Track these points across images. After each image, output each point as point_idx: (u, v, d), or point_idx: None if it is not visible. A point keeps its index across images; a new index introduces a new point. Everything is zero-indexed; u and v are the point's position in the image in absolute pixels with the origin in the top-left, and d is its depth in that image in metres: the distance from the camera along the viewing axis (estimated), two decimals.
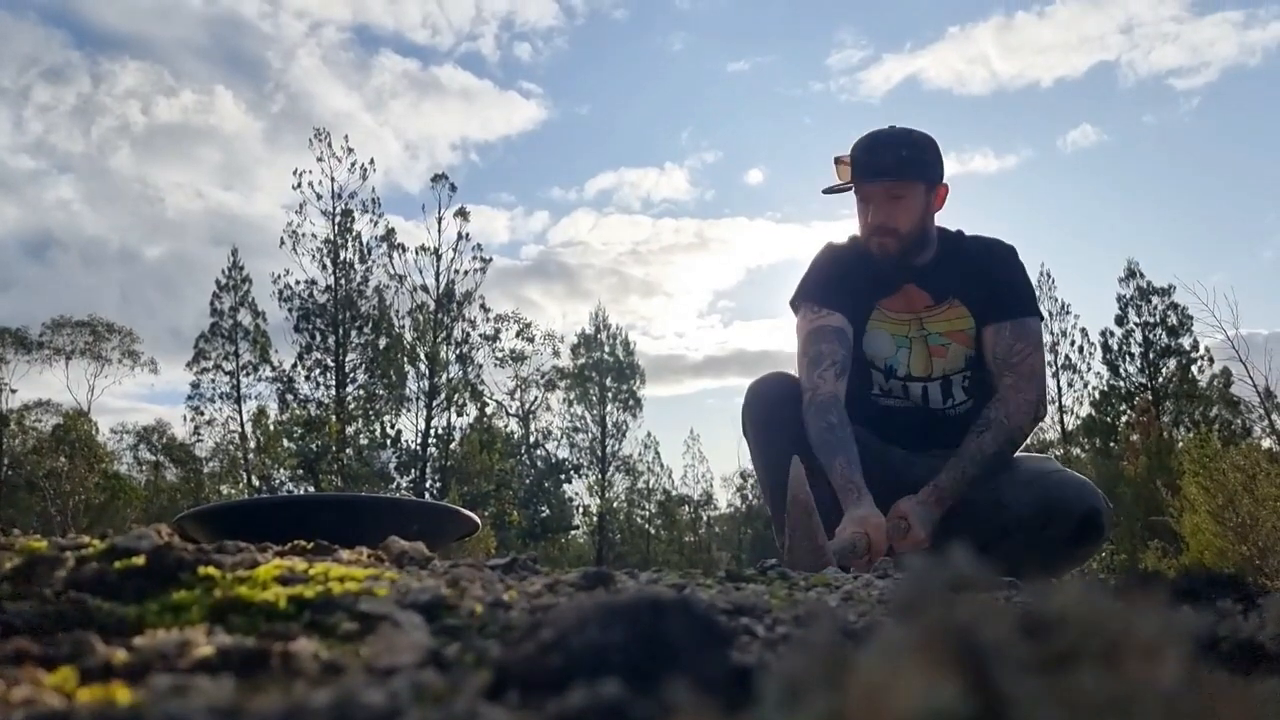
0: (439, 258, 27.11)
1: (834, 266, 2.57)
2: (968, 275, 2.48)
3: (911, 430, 2.48)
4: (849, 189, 2.49)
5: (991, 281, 2.47)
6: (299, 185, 25.92)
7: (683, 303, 51.44)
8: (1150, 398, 26.40)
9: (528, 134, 44.44)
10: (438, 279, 27.13)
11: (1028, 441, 2.47)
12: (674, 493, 34.44)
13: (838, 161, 2.53)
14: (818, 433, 2.30)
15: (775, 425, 2.42)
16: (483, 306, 27.79)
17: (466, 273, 27.21)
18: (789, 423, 2.35)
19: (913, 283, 2.51)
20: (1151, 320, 27.00)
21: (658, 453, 33.37)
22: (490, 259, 27.65)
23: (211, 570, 0.80)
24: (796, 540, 1.97)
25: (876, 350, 2.53)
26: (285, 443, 25.54)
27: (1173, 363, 26.66)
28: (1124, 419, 26.92)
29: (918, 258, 2.49)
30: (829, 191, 2.52)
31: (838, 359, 2.40)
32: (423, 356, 26.90)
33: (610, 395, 31.91)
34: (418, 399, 26.95)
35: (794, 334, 2.56)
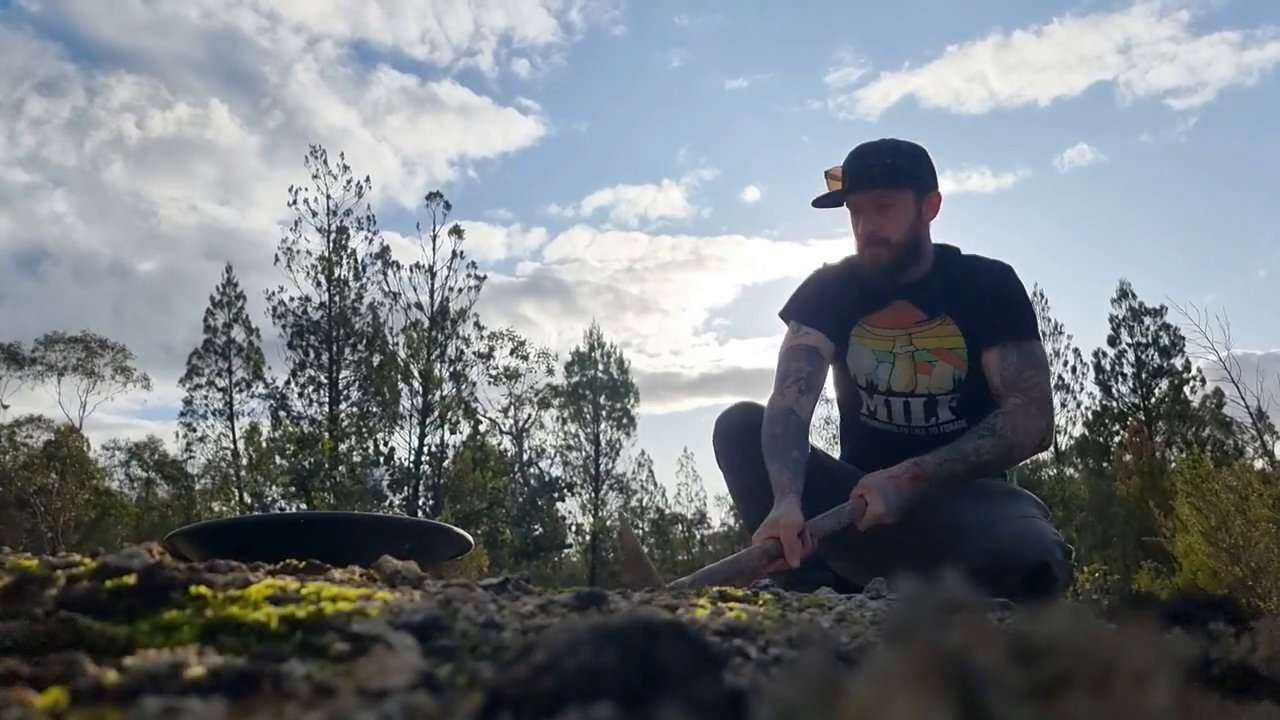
0: (433, 275, 27.16)
1: (821, 285, 2.60)
2: (962, 293, 2.45)
3: (894, 455, 2.37)
4: (838, 203, 2.49)
5: (990, 302, 2.43)
6: (294, 202, 25.99)
7: (678, 320, 51.48)
8: (1143, 418, 26.47)
9: (525, 150, 44.51)
10: (432, 296, 27.17)
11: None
12: (668, 511, 34.38)
13: (828, 175, 2.52)
14: (765, 440, 2.34)
15: (740, 454, 2.47)
16: (477, 324, 27.83)
17: (461, 290, 27.27)
18: (754, 452, 2.37)
19: (904, 299, 2.49)
20: (1144, 341, 27.12)
21: (651, 471, 33.32)
22: (484, 277, 27.72)
23: (203, 590, 0.80)
24: (632, 576, 1.95)
25: (858, 366, 2.54)
26: (278, 460, 25.46)
27: (1165, 383, 26.75)
28: (1117, 439, 26.98)
29: (911, 270, 2.47)
30: (818, 203, 2.51)
31: (803, 375, 2.43)
32: (416, 374, 26.88)
33: (604, 413, 31.90)
34: (411, 416, 26.92)
35: None
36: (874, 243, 2.43)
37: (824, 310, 2.54)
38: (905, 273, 2.47)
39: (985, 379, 2.42)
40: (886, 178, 2.40)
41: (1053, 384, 27.00)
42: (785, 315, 2.59)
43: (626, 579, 1.94)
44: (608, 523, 31.33)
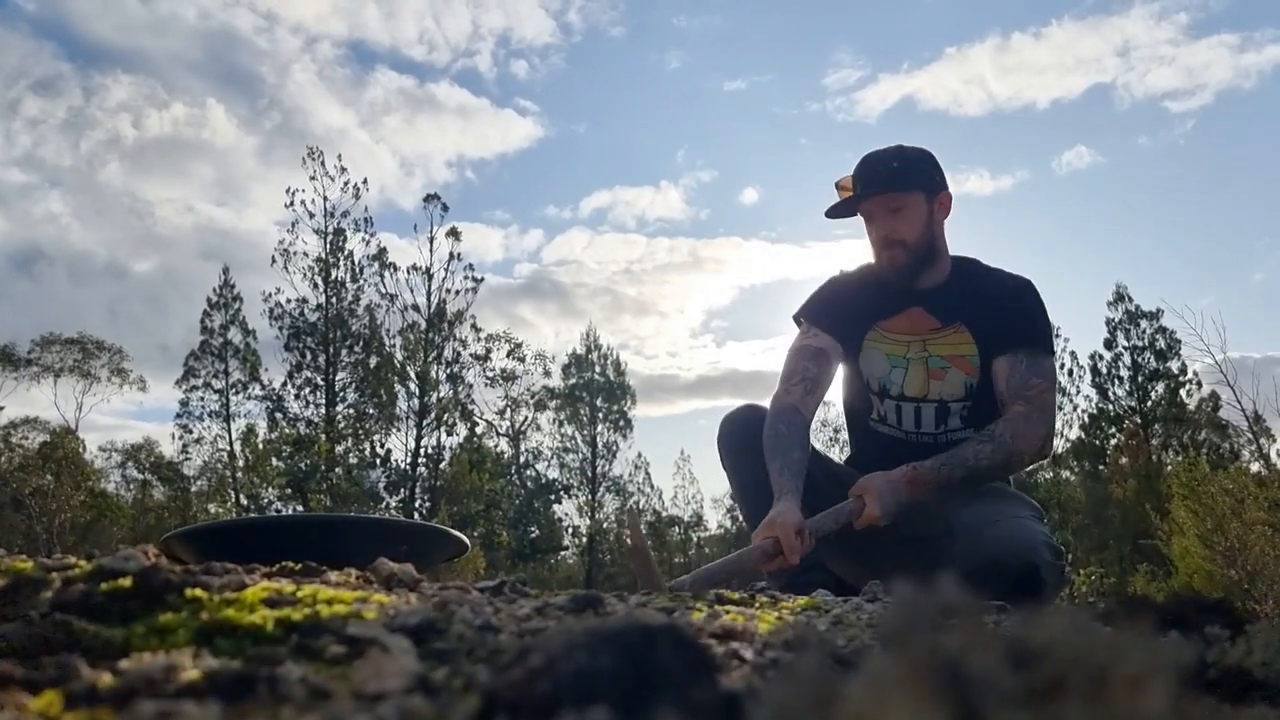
0: (430, 277, 27.17)
1: (837, 288, 2.64)
2: (978, 302, 2.48)
3: (901, 463, 2.43)
4: (851, 212, 2.53)
5: (1004, 312, 2.45)
6: (291, 204, 25.98)
7: (676, 322, 51.56)
8: (1139, 421, 26.51)
9: (524, 151, 44.50)
10: (429, 298, 27.17)
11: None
12: (664, 514, 34.37)
13: (839, 186, 2.55)
14: (767, 438, 2.38)
15: (745, 454, 2.49)
16: (474, 326, 27.83)
17: (458, 292, 27.28)
18: (758, 452, 2.39)
19: (920, 305, 2.51)
20: (1140, 344, 27.16)
21: (648, 473, 33.30)
22: (482, 279, 27.74)
23: (198, 592, 0.80)
24: (640, 580, 1.96)
25: (871, 370, 2.55)
26: (274, 461, 25.44)
27: (1161, 386, 26.79)
28: (1113, 442, 27.02)
29: (928, 273, 2.50)
30: (831, 214, 2.55)
31: (809, 375, 2.48)
32: (413, 376, 26.87)
33: (601, 415, 31.89)
34: (408, 418, 26.91)
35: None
36: (890, 245, 2.47)
37: (837, 313, 2.57)
38: (922, 276, 2.50)
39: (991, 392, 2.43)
40: (895, 180, 2.44)
41: (1058, 400, 26.88)
42: (798, 316, 2.63)
43: (634, 568, 1.95)
44: (604, 525, 31.32)
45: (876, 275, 2.55)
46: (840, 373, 2.63)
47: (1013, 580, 2.14)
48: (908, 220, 2.45)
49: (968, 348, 2.47)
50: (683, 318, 51.12)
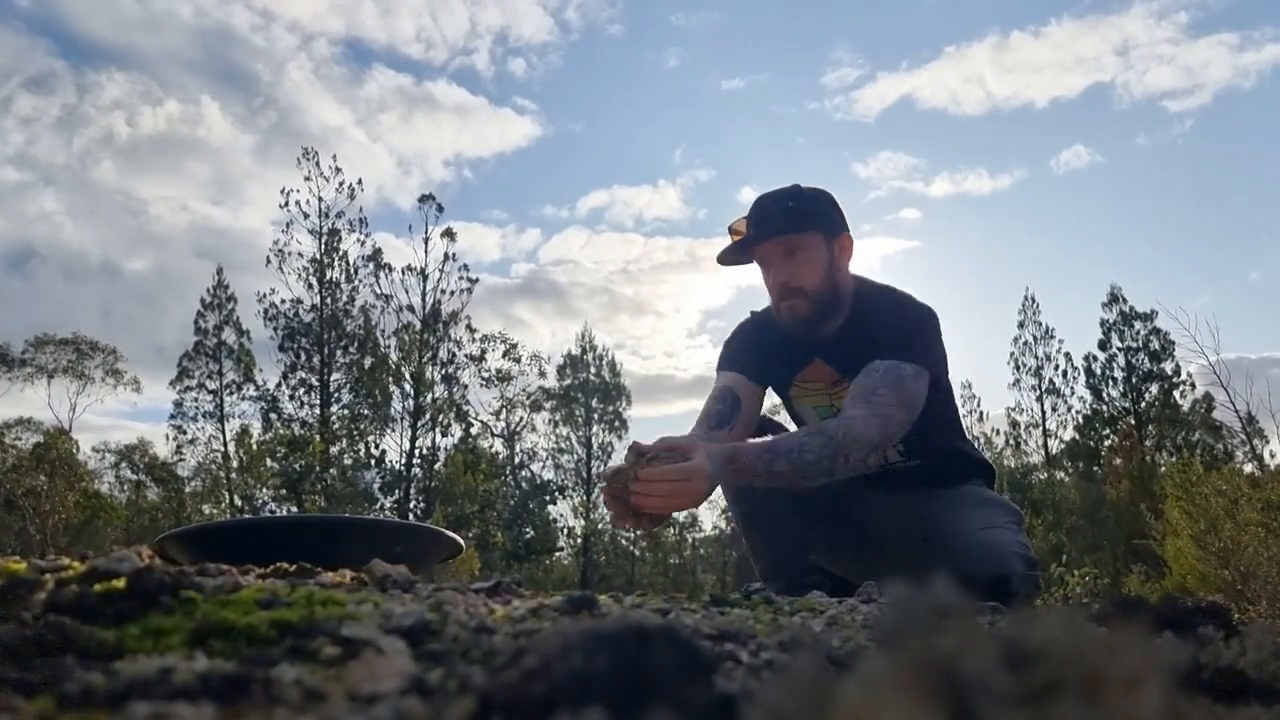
0: (425, 278, 27.14)
1: (749, 339, 2.50)
2: (871, 347, 2.28)
3: (851, 482, 2.39)
4: (748, 260, 2.36)
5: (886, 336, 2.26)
6: (286, 204, 25.96)
7: (673, 322, 51.56)
8: (1133, 422, 26.59)
9: (521, 151, 44.38)
10: (424, 299, 27.13)
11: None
12: None
13: (732, 230, 2.38)
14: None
15: None
16: (469, 327, 27.81)
17: (453, 293, 27.25)
18: None
19: (819, 355, 2.40)
20: (1134, 345, 27.26)
21: None
22: (477, 279, 27.71)
23: (192, 593, 0.79)
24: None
25: (805, 421, 2.53)
26: (268, 462, 25.39)
27: (1155, 387, 26.89)
28: (1107, 443, 27.11)
29: (830, 321, 2.35)
30: (724, 261, 2.37)
31: (712, 413, 2.35)
32: (408, 376, 26.85)
33: (596, 416, 31.91)
34: (402, 419, 26.89)
35: None
36: (788, 293, 2.30)
37: (750, 358, 2.44)
38: (823, 325, 2.35)
39: (920, 420, 2.23)
40: (790, 221, 2.26)
41: (1031, 383, 27.27)
42: (717, 368, 2.52)
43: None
44: (599, 526, 31.31)
45: (778, 326, 2.39)
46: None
47: (984, 590, 2.15)
48: (806, 265, 2.27)
49: None
50: (680, 317, 51.15)
